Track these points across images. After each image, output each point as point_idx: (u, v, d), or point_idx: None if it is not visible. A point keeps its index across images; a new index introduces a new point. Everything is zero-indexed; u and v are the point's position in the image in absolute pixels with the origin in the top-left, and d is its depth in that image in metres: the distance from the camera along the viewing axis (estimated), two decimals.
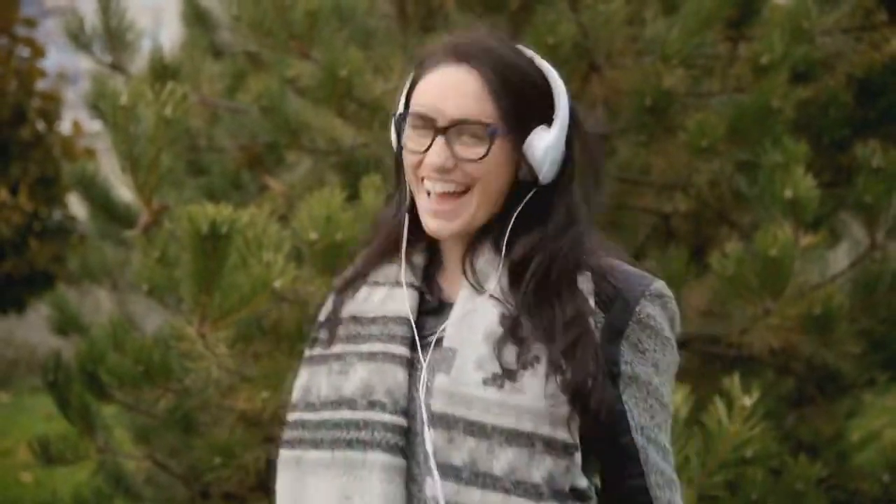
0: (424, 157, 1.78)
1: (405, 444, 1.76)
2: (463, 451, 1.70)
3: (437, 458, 1.71)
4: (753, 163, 3.97)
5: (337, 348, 1.84)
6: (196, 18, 5.82)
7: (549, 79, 1.84)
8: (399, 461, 1.75)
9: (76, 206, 10.01)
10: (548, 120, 1.81)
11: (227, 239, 3.03)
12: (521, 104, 1.79)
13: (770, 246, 3.64)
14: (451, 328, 1.77)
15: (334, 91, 3.95)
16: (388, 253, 1.88)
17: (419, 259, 1.86)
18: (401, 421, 1.76)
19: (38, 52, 11.53)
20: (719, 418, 3.17)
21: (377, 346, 1.81)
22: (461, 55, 1.80)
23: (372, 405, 1.78)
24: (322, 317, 1.90)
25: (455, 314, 1.79)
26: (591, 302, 1.77)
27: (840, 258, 4.37)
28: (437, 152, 1.76)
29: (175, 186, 3.70)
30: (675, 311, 1.86)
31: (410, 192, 1.85)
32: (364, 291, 1.87)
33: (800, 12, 3.99)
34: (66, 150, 11.17)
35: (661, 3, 4.28)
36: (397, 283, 1.85)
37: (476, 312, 1.77)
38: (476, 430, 1.70)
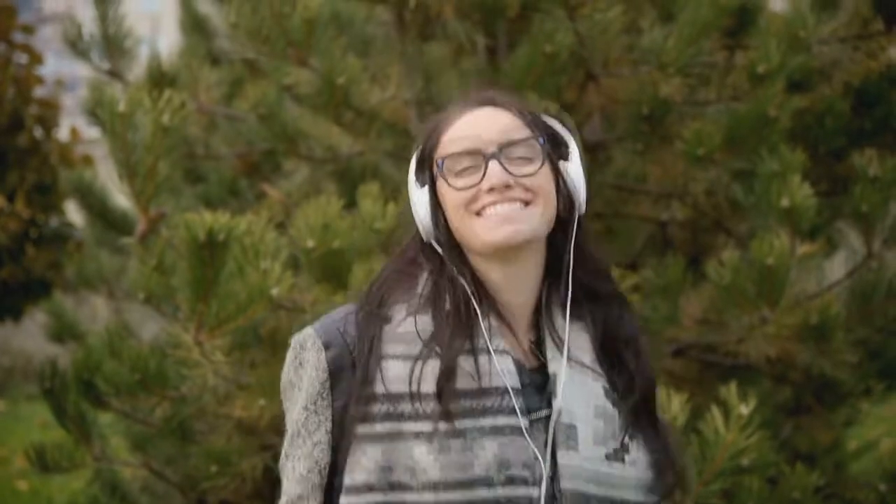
0: (479, 186, 1.79)
1: None
2: None
3: None
4: (750, 171, 3.97)
5: (439, 425, 1.74)
6: (194, 26, 5.83)
7: (560, 121, 1.92)
8: None
9: (73, 213, 10.01)
10: (564, 157, 1.89)
11: (224, 247, 3.04)
12: (549, 134, 1.87)
13: (767, 255, 3.65)
14: (565, 403, 1.78)
15: (332, 99, 3.95)
16: (456, 321, 1.79)
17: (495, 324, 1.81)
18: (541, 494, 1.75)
19: (36, 59, 11.54)
20: (716, 427, 3.17)
21: (500, 420, 1.75)
22: (483, 101, 1.86)
23: (511, 480, 1.74)
24: (384, 387, 1.77)
25: (561, 387, 1.79)
26: None
27: (837, 267, 4.37)
28: (495, 173, 1.79)
29: (172, 194, 3.69)
30: None
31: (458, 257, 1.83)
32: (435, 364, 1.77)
33: (796, 21, 4.00)
34: (63, 157, 11.18)
35: (658, 11, 4.28)
36: (482, 351, 1.78)
37: (576, 384, 1.80)
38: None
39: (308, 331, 1.84)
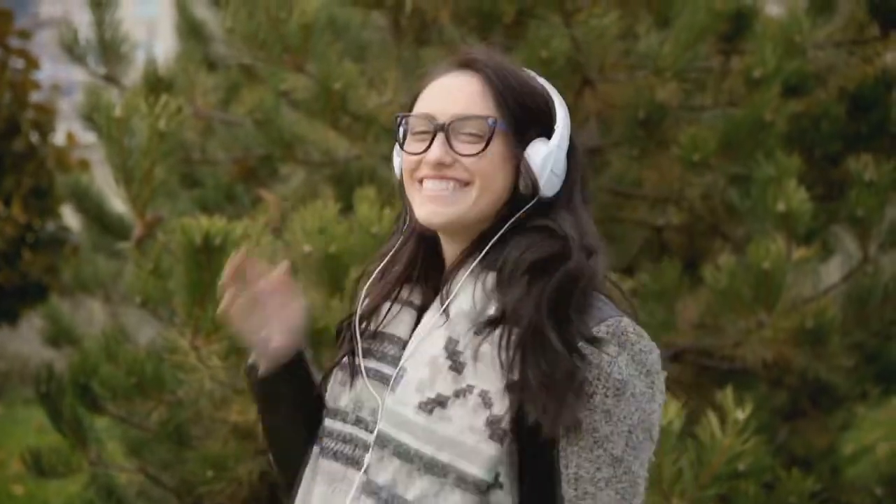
0: (423, 156, 1.78)
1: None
2: (388, 471, 1.72)
3: (368, 474, 1.74)
4: (746, 176, 3.98)
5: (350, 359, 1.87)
6: (190, 31, 5.83)
7: (551, 95, 1.85)
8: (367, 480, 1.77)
9: (70, 217, 10.01)
10: (547, 134, 1.82)
11: (220, 251, 3.04)
12: (523, 110, 1.80)
13: (763, 259, 3.65)
14: (410, 347, 1.79)
15: (328, 104, 3.96)
16: (404, 275, 1.88)
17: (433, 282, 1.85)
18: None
19: (32, 63, 11.53)
20: (712, 431, 3.17)
21: (372, 364, 1.83)
22: (464, 63, 1.82)
23: (358, 421, 1.80)
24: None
25: (416, 333, 1.80)
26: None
27: (832, 271, 4.38)
28: (436, 148, 1.77)
29: (169, 198, 3.70)
30: (644, 351, 1.76)
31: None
32: (380, 308, 1.87)
33: (792, 26, 4.01)
34: (60, 162, 11.17)
35: (654, 17, 4.29)
36: (407, 303, 1.86)
37: (429, 334, 1.77)
38: (402, 452, 1.72)
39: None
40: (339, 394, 1.84)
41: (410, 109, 1.85)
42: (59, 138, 11.67)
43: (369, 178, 4.12)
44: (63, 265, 6.15)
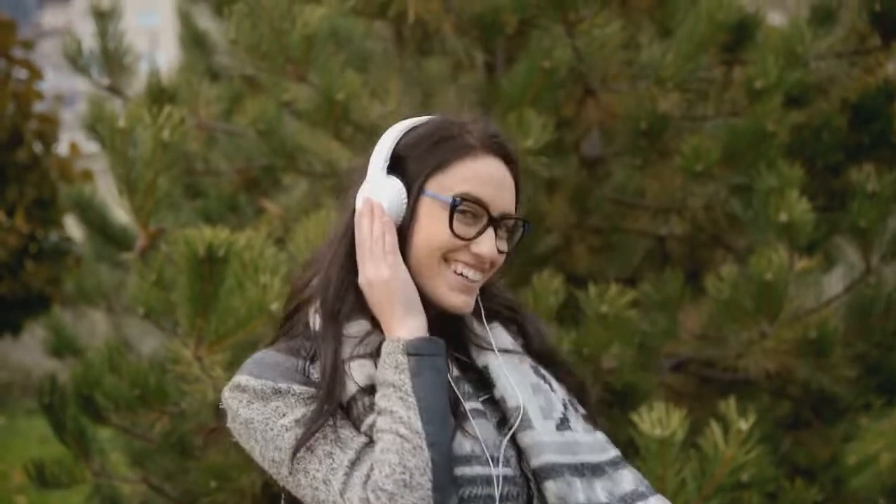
0: (471, 244, 1.82)
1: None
2: (578, 491, 1.80)
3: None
4: (748, 186, 3.98)
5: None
6: (193, 42, 5.85)
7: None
8: None
9: (73, 228, 10.02)
10: None
11: (223, 262, 3.04)
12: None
13: (765, 269, 3.65)
14: (509, 387, 1.85)
15: (331, 114, 3.96)
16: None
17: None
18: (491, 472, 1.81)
19: (35, 74, 11.57)
20: (715, 442, 3.17)
21: (470, 404, 1.84)
22: (502, 152, 1.88)
23: (492, 459, 1.80)
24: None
25: (500, 375, 1.86)
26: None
27: (835, 282, 4.37)
28: (490, 244, 1.83)
29: (172, 209, 3.69)
30: None
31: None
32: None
33: (794, 37, 4.01)
34: (63, 172, 11.20)
35: (656, 27, 4.30)
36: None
37: (515, 369, 1.87)
38: (570, 469, 1.82)
39: None
40: (458, 441, 1.78)
41: (432, 166, 1.84)
42: (62, 149, 11.70)
43: None
44: (66, 276, 6.15)
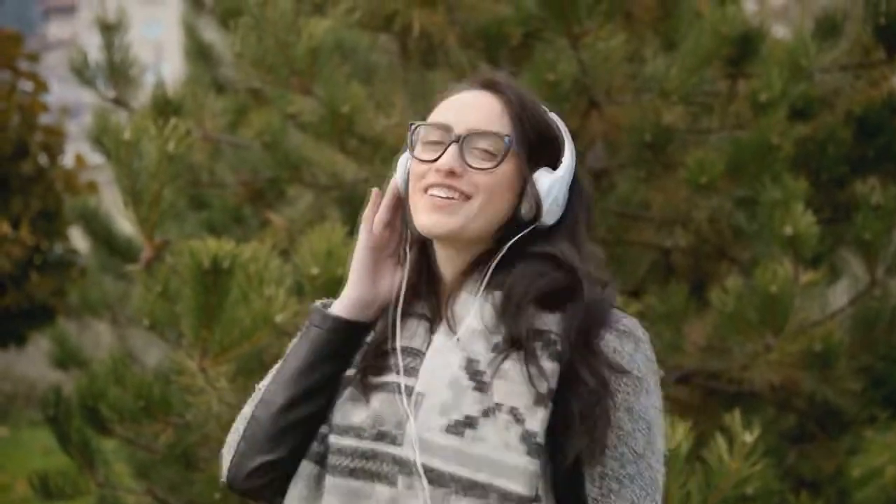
0: (434, 165, 1.80)
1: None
2: (419, 498, 1.70)
3: (403, 501, 1.72)
4: (753, 199, 3.98)
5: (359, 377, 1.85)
6: (198, 54, 5.86)
7: (560, 127, 1.90)
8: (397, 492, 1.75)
9: (78, 239, 10.03)
10: (553, 165, 1.86)
11: (228, 274, 3.04)
12: (535, 136, 1.84)
13: (770, 282, 3.65)
14: (423, 370, 1.77)
15: (336, 127, 3.97)
16: (411, 287, 1.87)
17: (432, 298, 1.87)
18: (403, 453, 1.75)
19: (41, 86, 11.60)
20: (720, 454, 3.16)
21: (391, 378, 1.80)
22: (486, 83, 1.86)
23: (381, 436, 1.77)
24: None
25: (429, 354, 1.79)
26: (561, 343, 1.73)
27: (840, 295, 4.37)
28: (449, 156, 1.79)
29: (177, 221, 3.71)
30: (652, 350, 1.81)
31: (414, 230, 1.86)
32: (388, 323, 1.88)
33: (798, 50, 4.02)
34: (68, 184, 11.21)
35: (661, 40, 4.31)
36: (419, 316, 1.86)
37: (443, 355, 1.76)
38: (435, 477, 1.70)
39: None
40: (349, 410, 1.80)
41: (426, 118, 1.88)
42: (67, 161, 11.72)
43: None
44: (70, 287, 6.17)
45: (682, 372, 4.09)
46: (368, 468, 1.76)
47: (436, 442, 1.71)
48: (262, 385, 1.89)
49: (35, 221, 11.06)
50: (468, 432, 1.70)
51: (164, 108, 4.32)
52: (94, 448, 3.92)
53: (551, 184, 1.82)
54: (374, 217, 1.87)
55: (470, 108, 1.83)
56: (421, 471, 1.71)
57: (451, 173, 1.78)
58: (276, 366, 1.90)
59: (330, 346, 1.85)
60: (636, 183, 4.34)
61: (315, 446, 1.84)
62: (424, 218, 1.80)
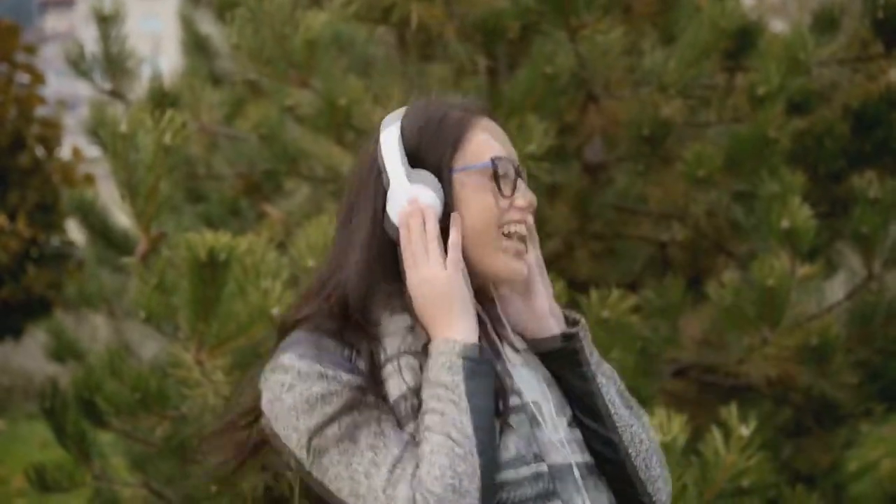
0: (514, 199, 1.81)
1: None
2: (582, 491, 1.79)
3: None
4: (750, 193, 3.98)
5: None
6: (196, 46, 5.85)
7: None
8: None
9: (74, 232, 10.03)
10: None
11: (225, 266, 3.04)
12: None
13: (767, 276, 3.65)
14: (524, 384, 1.82)
15: (333, 119, 3.97)
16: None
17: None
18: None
19: (38, 78, 11.59)
20: (716, 448, 3.17)
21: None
22: (483, 111, 1.90)
23: (536, 458, 1.78)
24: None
25: (516, 371, 1.82)
26: None
27: (837, 289, 4.38)
28: (527, 191, 1.83)
29: (173, 213, 3.70)
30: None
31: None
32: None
33: (796, 44, 4.01)
34: (65, 177, 11.20)
35: (659, 34, 4.30)
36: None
37: (521, 368, 1.83)
38: (585, 472, 1.81)
39: None
40: (506, 441, 1.74)
41: (446, 150, 1.83)
42: (64, 153, 11.71)
43: None
44: (67, 280, 6.17)
45: (678, 365, 4.09)
46: (544, 490, 1.75)
47: (569, 438, 1.82)
48: (455, 434, 1.69)
49: (32, 214, 11.05)
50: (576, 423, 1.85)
51: (161, 100, 4.31)
52: (91, 441, 3.92)
53: None
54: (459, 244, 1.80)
55: (507, 141, 1.87)
56: (577, 472, 1.80)
57: (532, 212, 1.84)
58: (451, 408, 1.71)
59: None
60: (634, 177, 4.34)
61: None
62: (514, 264, 1.81)
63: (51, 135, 11.41)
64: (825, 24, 4.43)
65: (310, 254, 3.43)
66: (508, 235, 1.81)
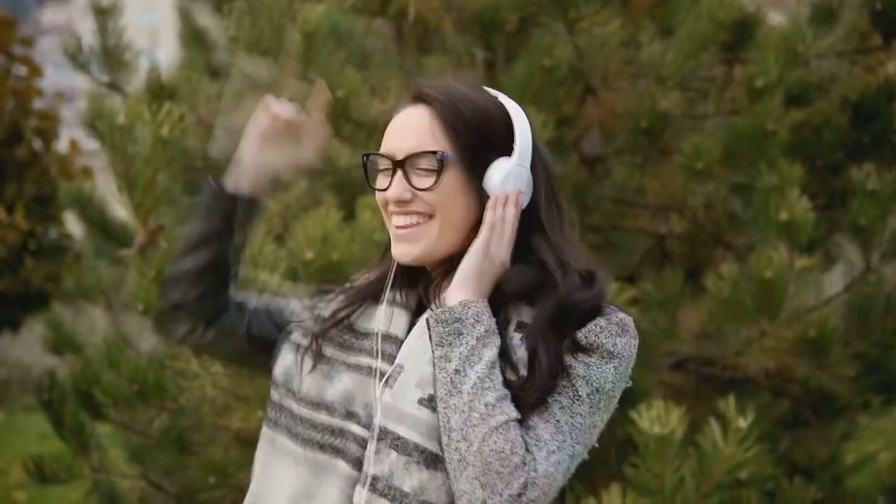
0: (385, 195, 1.87)
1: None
2: (384, 463, 1.77)
3: (367, 466, 1.79)
4: (748, 185, 3.98)
5: (327, 351, 1.91)
6: (193, 38, 5.84)
7: (511, 113, 1.88)
8: (356, 473, 1.81)
9: (72, 224, 10.02)
10: (509, 152, 1.86)
11: None
12: (477, 136, 1.85)
13: (765, 268, 3.65)
14: (406, 346, 1.84)
15: (331, 112, 3.96)
16: (382, 275, 1.96)
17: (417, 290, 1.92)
18: (367, 433, 1.82)
19: (35, 71, 11.56)
20: (714, 440, 3.17)
21: (364, 360, 1.87)
22: (419, 96, 1.88)
23: (350, 415, 1.84)
24: (321, 310, 1.97)
25: (413, 334, 1.85)
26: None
27: (835, 281, 4.38)
28: (395, 185, 1.85)
29: (171, 206, 3.70)
30: (635, 344, 1.80)
31: None
32: (363, 306, 1.94)
33: (795, 36, 4.01)
34: (62, 169, 11.19)
35: (657, 25, 4.30)
36: (401, 305, 1.91)
37: (424, 334, 1.82)
38: (399, 445, 1.77)
39: None
40: (322, 386, 1.87)
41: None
42: (62, 146, 11.69)
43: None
44: (65, 272, 6.14)
45: (676, 358, 4.09)
46: (335, 444, 1.83)
47: (407, 412, 1.77)
48: None
49: (30, 206, 11.04)
50: (441, 408, 1.74)
51: (159, 92, 4.31)
52: (89, 433, 3.93)
53: (506, 173, 1.83)
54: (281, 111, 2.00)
55: (405, 130, 1.86)
56: (375, 433, 1.79)
57: (401, 201, 1.85)
58: None
59: (232, 218, 2.00)
60: (632, 169, 4.34)
61: (271, 412, 1.93)
62: (395, 249, 1.88)
63: (48, 127, 11.38)
64: (823, 16, 4.42)
65: (308, 246, 3.43)
66: (394, 225, 1.88)
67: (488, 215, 1.82)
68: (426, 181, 1.83)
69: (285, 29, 3.89)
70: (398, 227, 1.86)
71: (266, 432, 1.93)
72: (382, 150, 1.89)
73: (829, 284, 4.32)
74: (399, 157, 1.85)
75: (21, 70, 11.54)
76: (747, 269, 3.78)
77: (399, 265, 1.91)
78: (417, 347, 1.82)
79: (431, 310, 1.80)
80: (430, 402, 1.76)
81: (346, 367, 1.88)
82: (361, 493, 1.77)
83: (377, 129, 3.99)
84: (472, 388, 1.72)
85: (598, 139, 4.42)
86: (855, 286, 4.12)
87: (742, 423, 3.15)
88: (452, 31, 4.08)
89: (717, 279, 3.84)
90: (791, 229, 3.68)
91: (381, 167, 1.89)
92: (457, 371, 1.74)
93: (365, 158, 1.93)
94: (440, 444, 1.74)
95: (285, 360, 1.95)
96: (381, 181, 1.89)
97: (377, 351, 1.86)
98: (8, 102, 11.09)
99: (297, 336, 1.96)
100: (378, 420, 1.79)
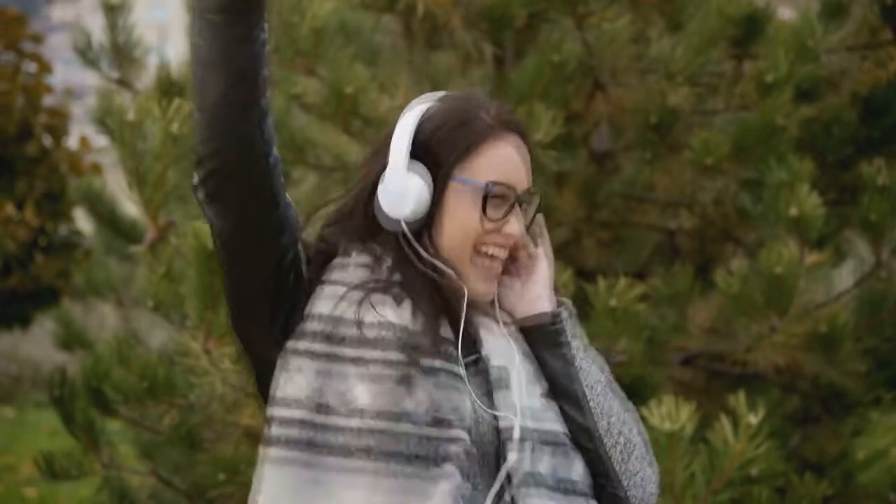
0: (500, 225, 1.84)
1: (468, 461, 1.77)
2: (545, 460, 1.80)
3: (522, 468, 1.78)
4: (758, 180, 3.97)
5: (375, 353, 1.76)
6: None
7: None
8: (461, 480, 1.75)
9: (82, 221, 10.04)
10: None
11: None
12: None
13: (775, 264, 3.65)
14: (493, 349, 1.84)
15: (340, 108, 3.96)
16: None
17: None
18: (467, 438, 1.76)
19: (45, 68, 11.59)
20: (725, 436, 3.17)
21: (437, 363, 1.77)
22: (515, 128, 1.90)
23: (439, 422, 1.74)
24: (332, 309, 1.81)
25: (487, 339, 1.85)
26: None
27: (845, 276, 4.36)
28: (519, 223, 1.86)
29: (181, 202, 3.70)
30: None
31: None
32: (389, 300, 1.81)
33: (805, 30, 4.00)
34: (72, 166, 11.22)
35: (666, 21, 4.29)
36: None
37: (501, 339, 1.86)
38: (550, 440, 1.82)
39: None
40: (398, 396, 1.73)
41: (454, 155, 1.84)
42: (71, 142, 11.73)
43: None
44: (75, 269, 6.16)
45: (686, 354, 4.08)
46: (429, 454, 1.73)
47: (538, 406, 1.83)
48: None
49: (40, 203, 11.07)
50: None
51: (168, 89, 4.31)
52: (99, 429, 3.94)
53: None
54: None
55: (520, 163, 1.87)
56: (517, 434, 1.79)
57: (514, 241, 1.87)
58: None
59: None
60: (641, 165, 4.33)
61: (292, 432, 1.77)
62: (481, 286, 1.85)
63: (58, 124, 11.42)
64: (833, 10, 4.41)
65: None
66: (483, 254, 1.84)
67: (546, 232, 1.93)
68: (524, 218, 1.89)
69: (294, 25, 3.89)
70: (492, 259, 1.84)
71: (284, 455, 1.77)
72: (501, 179, 1.84)
73: (839, 280, 4.31)
74: (520, 192, 1.86)
75: (31, 67, 11.58)
76: (757, 265, 3.77)
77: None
78: (504, 347, 1.84)
79: (496, 315, 1.86)
80: (548, 394, 1.85)
81: (421, 373, 1.75)
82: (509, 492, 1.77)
83: (386, 126, 3.98)
84: (607, 375, 1.91)
85: (607, 135, 4.42)
86: (865, 282, 4.11)
87: (752, 419, 3.14)
88: (461, 27, 4.08)
89: (726, 275, 3.83)
90: (801, 225, 3.68)
91: (498, 195, 1.84)
92: (591, 361, 1.88)
93: (491, 187, 1.83)
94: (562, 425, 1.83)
95: (305, 376, 1.77)
96: (494, 211, 1.84)
97: (459, 356, 1.79)
98: (18, 99, 11.12)
99: (304, 344, 1.80)
100: (519, 421, 1.79)
